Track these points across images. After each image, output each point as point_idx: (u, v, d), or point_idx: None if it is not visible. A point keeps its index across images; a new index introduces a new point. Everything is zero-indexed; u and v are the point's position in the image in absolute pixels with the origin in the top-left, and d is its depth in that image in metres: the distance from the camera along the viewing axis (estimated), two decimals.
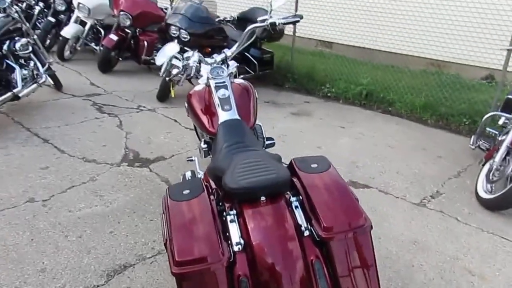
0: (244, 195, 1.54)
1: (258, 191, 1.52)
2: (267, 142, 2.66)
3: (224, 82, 2.31)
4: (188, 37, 4.81)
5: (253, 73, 5.65)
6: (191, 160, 2.60)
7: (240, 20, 5.87)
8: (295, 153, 3.49)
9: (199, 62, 2.36)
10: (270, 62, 6.01)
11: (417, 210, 2.91)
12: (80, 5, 5.99)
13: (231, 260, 1.39)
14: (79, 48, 6.35)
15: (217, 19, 5.38)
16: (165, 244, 1.48)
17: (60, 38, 6.06)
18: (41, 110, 4.20)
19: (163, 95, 4.81)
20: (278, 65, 6.31)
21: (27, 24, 4.24)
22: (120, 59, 5.93)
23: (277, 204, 1.52)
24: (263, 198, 1.52)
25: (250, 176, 1.56)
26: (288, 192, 1.63)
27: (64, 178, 2.94)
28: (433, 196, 3.11)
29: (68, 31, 6.02)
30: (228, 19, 5.70)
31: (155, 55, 3.79)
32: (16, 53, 3.92)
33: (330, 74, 6.06)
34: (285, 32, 6.15)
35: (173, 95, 4.28)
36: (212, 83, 2.30)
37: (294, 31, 6.25)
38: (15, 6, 4.09)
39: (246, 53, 5.64)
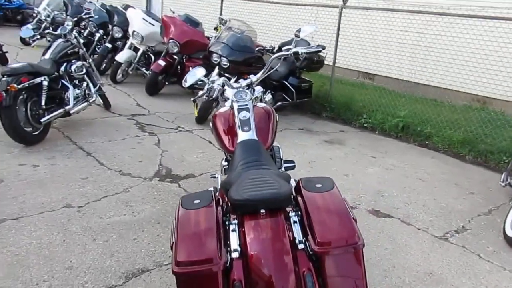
0: (245, 207, 1.65)
1: (258, 204, 1.63)
2: (286, 165, 2.77)
3: (246, 105, 2.47)
4: (228, 64, 5.09)
5: (290, 100, 5.81)
6: (215, 177, 2.75)
7: (280, 50, 6.11)
8: None
9: (223, 85, 2.55)
10: (309, 91, 6.15)
11: (438, 243, 2.86)
12: (135, 33, 6.52)
13: (227, 265, 1.50)
14: (130, 72, 6.87)
15: (257, 48, 5.63)
16: (171, 247, 1.61)
17: (114, 62, 6.60)
18: (89, 127, 4.58)
19: (202, 118, 5.07)
20: (316, 94, 6.44)
21: (84, 49, 4.70)
22: (167, 83, 6.33)
23: (276, 217, 1.62)
24: (262, 210, 1.63)
25: (253, 189, 1.68)
26: (290, 208, 1.73)
27: (100, 188, 3.19)
28: (457, 231, 3.04)
29: (122, 56, 6.55)
30: (268, 48, 5.95)
31: None
32: (71, 74, 4.36)
33: (367, 105, 6.09)
34: (326, 62, 6.31)
35: (196, 114, 4.60)
36: (235, 105, 2.46)
37: (334, 62, 6.37)
38: (74, 32, 4.57)
39: (284, 81, 5.83)
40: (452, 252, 2.75)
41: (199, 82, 2.55)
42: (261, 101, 2.87)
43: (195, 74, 2.56)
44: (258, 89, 2.76)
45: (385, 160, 4.46)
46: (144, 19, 6.61)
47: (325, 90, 6.51)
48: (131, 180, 3.38)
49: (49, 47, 4.36)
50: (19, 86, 3.52)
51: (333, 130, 5.52)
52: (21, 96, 3.67)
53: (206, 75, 2.56)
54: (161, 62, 6.07)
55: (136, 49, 6.77)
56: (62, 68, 4.29)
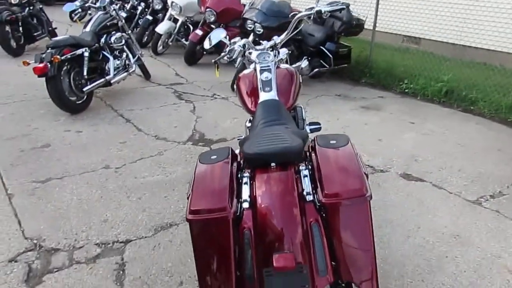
0: (256, 161, 1.71)
1: (268, 158, 1.68)
2: (311, 127, 2.77)
3: (268, 66, 2.48)
4: (262, 30, 5.06)
5: (328, 67, 5.70)
6: (240, 138, 2.83)
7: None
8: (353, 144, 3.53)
9: (244, 46, 2.57)
10: (347, 57, 5.99)
11: (469, 207, 2.77)
12: (173, 3, 6.61)
13: (238, 214, 1.57)
14: (170, 43, 7.02)
15: (292, 13, 5.53)
16: (187, 198, 1.71)
17: (155, 34, 6.77)
18: (129, 96, 4.79)
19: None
20: (356, 60, 6.26)
21: (123, 21, 4.86)
22: (205, 52, 6.41)
23: (286, 171, 1.67)
24: (273, 164, 1.68)
25: (265, 144, 1.73)
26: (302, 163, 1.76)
27: (136, 152, 3.38)
28: (493, 196, 2.93)
29: (162, 27, 6.70)
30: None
31: None
32: (111, 45, 4.55)
33: (410, 70, 5.85)
34: (366, 26, 6.08)
35: (217, 75, 4.63)
36: (258, 66, 2.49)
37: (374, 26, 6.14)
38: (113, 5, 4.73)
39: (322, 47, 5.71)
40: (484, 216, 2.67)
41: (221, 44, 2.59)
42: (286, 63, 2.86)
43: (217, 35, 2.60)
44: (283, 51, 2.75)
45: (424, 126, 4.31)
46: None
47: (365, 56, 6.31)
48: (166, 144, 3.54)
49: (89, 20, 4.56)
50: (62, 58, 3.74)
51: (371, 96, 5.38)
52: (65, 67, 3.89)
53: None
54: (199, 32, 6.14)
55: (175, 20, 6.88)
56: (102, 40, 4.48)
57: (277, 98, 2.33)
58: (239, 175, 1.75)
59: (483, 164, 3.41)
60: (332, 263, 1.58)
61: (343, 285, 1.55)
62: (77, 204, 2.62)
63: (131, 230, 2.38)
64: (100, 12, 4.63)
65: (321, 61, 5.70)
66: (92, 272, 2.05)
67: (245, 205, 1.60)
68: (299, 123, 2.50)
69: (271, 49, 2.64)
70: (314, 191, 1.63)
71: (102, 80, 4.29)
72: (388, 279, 2.06)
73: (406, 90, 5.55)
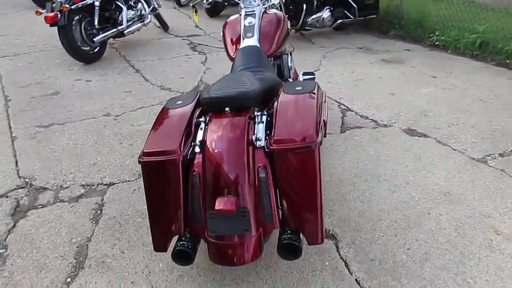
0: (211, 105, 1.68)
1: (222, 102, 1.65)
2: (305, 77, 2.68)
3: (253, 11, 2.39)
4: None
5: (352, 18, 5.40)
6: None
7: None
8: (359, 98, 3.38)
9: None
10: (374, 7, 5.63)
11: (471, 165, 2.60)
12: None
13: (188, 158, 1.57)
14: None
15: None
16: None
17: None
18: (144, 47, 4.82)
19: None
20: (385, 10, 5.89)
21: None
22: (226, 3, 6.26)
23: (239, 116, 1.63)
24: (227, 109, 1.64)
25: (222, 89, 1.69)
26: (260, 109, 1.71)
27: (139, 101, 3.44)
28: (502, 155, 2.72)
29: None
30: None
31: None
32: None
33: (443, 21, 5.42)
34: None
35: (196, 21, 4.51)
36: (243, 12, 2.40)
37: None
38: None
39: None
40: (485, 174, 2.50)
41: None
42: (280, 10, 2.73)
43: None
44: None
45: (446, 80, 4.03)
46: None
47: (394, 6, 5.90)
48: (169, 94, 3.57)
49: None
50: (72, 7, 3.78)
51: (397, 49, 5.08)
52: (76, 17, 3.95)
53: None
54: None
55: None
56: None
57: (257, 45, 2.25)
58: (196, 120, 1.73)
59: (501, 121, 3.17)
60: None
61: (289, 232, 1.52)
62: (72, 148, 2.74)
63: (116, 174, 2.47)
64: None
65: (345, 11, 5.40)
66: (72, 210, 2.16)
67: (197, 149, 1.60)
68: (285, 71, 2.41)
69: None
70: (268, 138, 1.59)
71: (114, 30, 4.32)
72: (359, 232, 2.01)
73: (437, 43, 5.18)
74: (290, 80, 2.55)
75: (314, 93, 1.74)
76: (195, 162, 1.59)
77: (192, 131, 1.67)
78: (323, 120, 1.64)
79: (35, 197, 2.25)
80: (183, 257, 1.55)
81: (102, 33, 4.19)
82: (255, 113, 1.66)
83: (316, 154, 1.49)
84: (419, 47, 5.18)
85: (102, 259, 1.85)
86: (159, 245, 1.62)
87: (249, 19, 2.37)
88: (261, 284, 1.72)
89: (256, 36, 2.29)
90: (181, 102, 1.85)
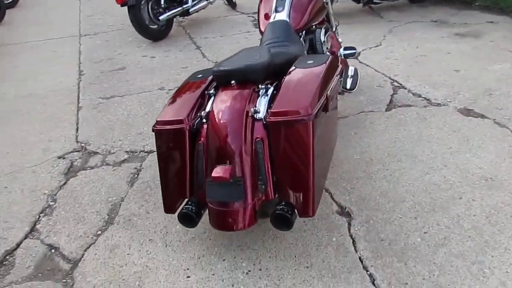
0: (220, 78, 1.75)
1: (229, 76, 1.71)
2: (345, 52, 2.61)
3: None
4: None
5: None
6: None
7: None
8: (417, 75, 3.18)
9: None
10: None
11: None
12: None
13: (195, 128, 1.67)
14: None
15: None
16: None
17: None
18: (209, 24, 4.99)
19: None
20: None
21: None
22: None
23: (243, 89, 1.68)
24: (233, 82, 1.70)
25: (231, 63, 1.75)
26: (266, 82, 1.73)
27: None
28: None
29: None
30: None
31: None
32: None
33: None
34: None
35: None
36: None
37: None
38: None
39: None
40: None
41: None
42: None
43: None
44: None
45: None
46: None
47: None
48: None
49: None
50: None
51: (476, 22, 4.58)
52: None
53: None
54: None
55: None
56: None
57: (287, 19, 2.24)
58: (207, 92, 1.81)
59: None
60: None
61: (283, 203, 1.55)
62: (125, 118, 3.01)
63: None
64: None
65: None
66: (114, 173, 2.40)
67: (204, 120, 1.69)
68: (317, 46, 2.36)
69: None
70: (269, 109, 1.62)
71: (179, 9, 4.54)
72: (376, 212, 1.95)
73: None
74: (341, 55, 2.50)
75: (323, 67, 1.72)
76: (201, 132, 1.68)
77: (204, 103, 1.76)
78: (327, 96, 1.61)
79: (86, 159, 2.54)
80: (187, 219, 1.66)
81: (168, 11, 4.43)
82: (260, 86, 1.69)
83: (310, 127, 1.49)
84: (506, 19, 4.61)
85: (129, 217, 2.05)
86: (168, 207, 1.76)
87: None
88: (265, 252, 1.78)
89: (286, 11, 2.27)
90: (201, 75, 1.95)
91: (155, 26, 4.46)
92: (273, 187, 1.59)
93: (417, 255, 1.70)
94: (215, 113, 1.65)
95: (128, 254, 1.84)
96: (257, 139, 1.58)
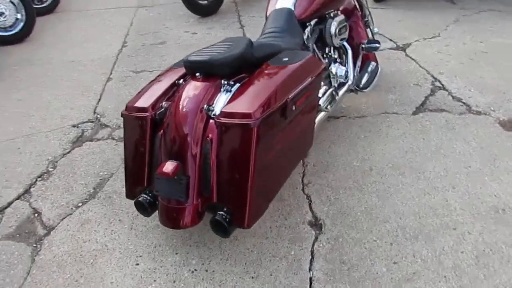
0: (186, 69, 1.68)
1: (194, 67, 1.63)
2: (366, 45, 2.36)
3: None
4: None
5: None
6: None
7: None
8: (466, 75, 2.87)
9: None
10: None
11: None
12: None
13: (156, 117, 1.63)
14: None
15: None
16: None
17: None
18: (262, 3, 4.80)
19: None
20: None
21: None
22: None
23: (206, 82, 1.59)
24: (197, 74, 1.62)
25: (201, 54, 1.66)
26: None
27: None
28: None
29: None
30: None
31: None
32: None
33: None
34: None
35: None
36: None
37: None
38: None
39: None
40: None
41: None
42: None
43: None
44: None
45: None
46: None
47: None
48: None
49: None
50: None
51: None
52: None
53: None
54: None
55: None
56: None
57: (291, 7, 2.06)
58: (176, 82, 1.75)
59: None
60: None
61: (225, 209, 1.47)
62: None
63: None
64: None
65: None
66: (115, 148, 2.47)
67: (165, 111, 1.64)
68: (326, 37, 2.15)
69: None
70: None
71: None
72: (351, 229, 1.77)
73: None
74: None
75: (295, 66, 1.56)
76: (162, 123, 1.63)
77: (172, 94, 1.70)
78: (287, 99, 1.46)
79: (96, 131, 2.65)
80: (141, 208, 1.65)
81: None
82: (224, 81, 1.58)
83: (253, 133, 1.36)
84: None
85: (110, 195, 2.10)
86: (129, 193, 1.76)
87: None
88: (218, 253, 1.72)
89: None
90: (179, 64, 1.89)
91: (205, 2, 4.43)
92: (217, 190, 1.50)
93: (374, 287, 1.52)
94: (173, 105, 1.59)
95: (94, 231, 1.90)
96: (207, 139, 1.50)
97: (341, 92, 2.28)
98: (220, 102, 1.54)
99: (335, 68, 2.28)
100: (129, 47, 3.91)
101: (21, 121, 2.78)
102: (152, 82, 1.82)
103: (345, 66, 2.38)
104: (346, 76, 2.33)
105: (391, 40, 3.62)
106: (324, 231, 1.78)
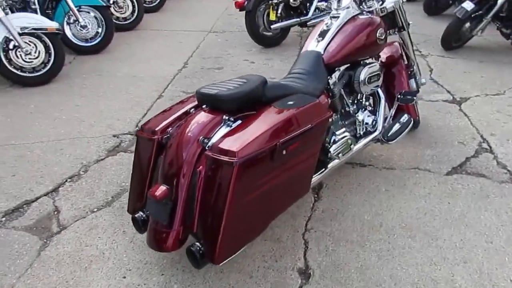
0: (198, 100, 1.75)
1: (202, 99, 1.70)
2: (400, 96, 2.29)
3: (338, 13, 2.17)
4: None
5: None
6: None
7: None
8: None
9: None
10: None
11: None
12: None
13: (163, 141, 1.72)
14: None
15: None
16: None
17: None
18: None
19: (449, 40, 4.26)
20: None
21: None
22: (451, 1, 5.47)
23: (210, 115, 1.65)
24: (204, 106, 1.69)
25: (213, 87, 1.73)
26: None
27: None
28: None
29: None
30: None
31: None
32: None
33: None
34: None
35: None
36: (332, 13, 2.22)
37: None
38: None
39: None
40: None
41: None
42: (399, 16, 2.33)
43: None
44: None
45: None
46: None
47: None
48: None
49: None
50: None
51: None
52: (263, 4, 4.36)
53: None
54: None
55: None
56: None
57: (321, 51, 2.06)
58: (189, 110, 1.83)
59: None
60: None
61: (202, 241, 1.49)
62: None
63: None
64: None
65: None
66: None
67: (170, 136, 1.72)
68: (354, 84, 2.11)
69: None
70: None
71: (295, 20, 4.52)
72: (338, 285, 1.69)
73: None
74: (363, 95, 2.22)
75: (294, 111, 1.56)
76: (166, 147, 1.71)
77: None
78: (278, 144, 1.46)
79: (132, 143, 2.82)
80: (135, 224, 1.73)
81: (282, 21, 4.47)
82: (225, 116, 1.63)
83: (234, 171, 1.38)
84: None
85: (123, 206, 2.22)
86: (129, 208, 1.87)
87: (329, 22, 2.17)
88: (200, 281, 1.73)
89: (325, 41, 2.09)
90: None
91: (270, 33, 4.57)
92: (198, 221, 1.53)
93: None
94: (177, 132, 1.67)
95: (99, 237, 2.02)
96: (198, 169, 1.54)
97: (364, 141, 2.21)
98: (217, 136, 1.58)
99: (362, 115, 2.22)
100: (188, 69, 4.14)
101: (72, 124, 3.06)
102: (170, 107, 1.92)
103: (375, 114, 2.30)
104: (374, 125, 2.26)
105: (448, 92, 3.43)
106: (311, 282, 1.71)
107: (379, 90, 2.33)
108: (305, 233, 1.98)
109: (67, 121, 3.11)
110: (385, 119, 2.34)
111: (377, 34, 2.14)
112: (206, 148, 1.55)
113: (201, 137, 1.56)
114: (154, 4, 6.25)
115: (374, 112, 2.32)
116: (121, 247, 1.95)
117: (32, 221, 2.15)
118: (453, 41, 4.29)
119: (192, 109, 1.78)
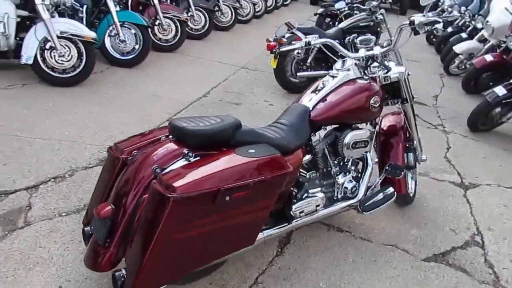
0: (168, 129, 1.76)
1: (171, 130, 1.73)
2: (389, 169, 2.23)
3: (337, 73, 2.18)
4: None
5: None
6: None
7: None
8: None
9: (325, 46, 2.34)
10: None
11: None
12: (487, 22, 5.73)
13: (127, 161, 1.75)
14: (468, 66, 6.16)
15: None
16: None
17: (451, 51, 6.14)
18: None
19: (476, 122, 4.12)
20: None
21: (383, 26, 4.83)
22: (492, 83, 5.30)
23: (173, 146, 1.67)
24: (171, 136, 1.71)
25: (185, 120, 1.75)
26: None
27: None
28: None
29: (461, 46, 5.98)
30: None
31: None
32: (355, 44, 4.68)
33: None
34: None
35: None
36: (332, 72, 2.23)
37: None
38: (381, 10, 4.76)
39: None
40: None
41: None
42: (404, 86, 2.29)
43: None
44: (396, 69, 2.25)
45: None
46: (506, 8, 5.62)
47: None
48: None
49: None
50: (285, 48, 4.26)
51: None
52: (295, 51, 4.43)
53: None
54: (488, 57, 5.13)
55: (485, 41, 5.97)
56: (350, 37, 4.68)
57: (309, 106, 2.05)
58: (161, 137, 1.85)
59: None
60: None
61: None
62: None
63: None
64: (363, 13, 4.80)
65: None
66: None
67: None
68: (338, 146, 2.07)
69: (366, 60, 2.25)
70: None
71: (322, 72, 4.55)
72: None
73: None
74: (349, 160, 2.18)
75: (246, 160, 1.55)
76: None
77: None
78: (221, 189, 1.44)
79: None
80: (84, 237, 1.74)
81: (309, 71, 4.51)
82: (186, 151, 1.63)
83: (168, 206, 1.37)
84: None
85: None
86: (84, 219, 1.88)
87: (327, 80, 2.18)
88: None
89: (316, 98, 2.08)
90: None
91: (296, 80, 4.61)
92: (130, 248, 1.52)
93: None
94: (138, 157, 1.69)
95: (54, 241, 2.05)
96: (143, 196, 1.55)
97: (340, 205, 2.13)
98: (171, 168, 1.58)
99: (343, 179, 2.16)
100: (208, 98, 4.23)
101: (78, 128, 3.18)
102: (148, 132, 1.96)
103: (358, 181, 2.23)
104: (354, 192, 2.18)
105: (459, 174, 3.27)
106: None
107: (368, 157, 2.27)
108: (253, 286, 1.91)
109: (75, 124, 3.24)
110: (369, 187, 2.26)
111: (371, 101, 2.11)
112: (157, 177, 1.55)
113: (155, 166, 1.57)
114: (200, 32, 6.52)
115: (358, 178, 2.25)
116: (71, 256, 1.96)
117: (3, 211, 2.21)
118: (480, 123, 4.13)
119: (163, 137, 1.80)
